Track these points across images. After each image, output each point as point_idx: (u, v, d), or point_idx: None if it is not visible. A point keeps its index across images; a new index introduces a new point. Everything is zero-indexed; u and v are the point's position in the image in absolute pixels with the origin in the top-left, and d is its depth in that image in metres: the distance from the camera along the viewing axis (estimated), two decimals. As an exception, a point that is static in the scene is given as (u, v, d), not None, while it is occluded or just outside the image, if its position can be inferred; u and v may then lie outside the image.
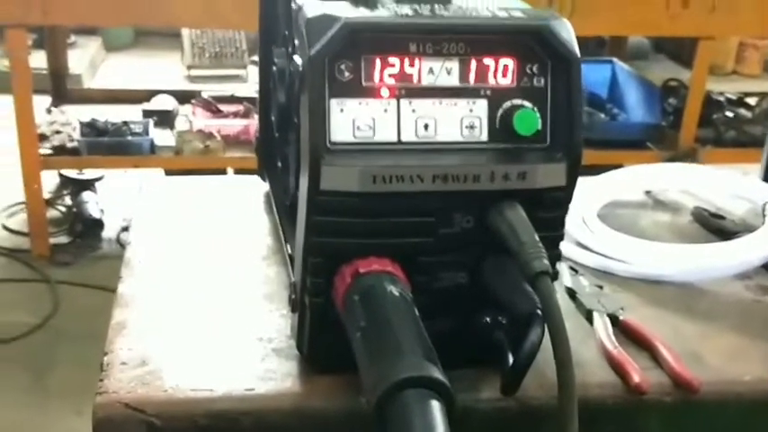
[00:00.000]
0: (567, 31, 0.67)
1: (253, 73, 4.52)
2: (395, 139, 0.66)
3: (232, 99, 3.08)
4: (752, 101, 3.33)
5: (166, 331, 0.77)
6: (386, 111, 0.66)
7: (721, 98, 3.28)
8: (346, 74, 0.64)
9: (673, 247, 0.96)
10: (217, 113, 2.95)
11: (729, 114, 3.20)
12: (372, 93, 0.65)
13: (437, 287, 0.69)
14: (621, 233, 0.98)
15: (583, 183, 1.07)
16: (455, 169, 0.65)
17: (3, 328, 2.39)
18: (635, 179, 1.14)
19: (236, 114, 2.95)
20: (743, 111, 3.25)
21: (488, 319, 0.69)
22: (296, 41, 0.71)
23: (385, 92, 0.65)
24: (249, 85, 4.22)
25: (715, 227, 1.06)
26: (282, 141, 0.89)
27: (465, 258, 0.69)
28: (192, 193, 1.08)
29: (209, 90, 3.33)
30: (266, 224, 0.99)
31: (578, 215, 1.02)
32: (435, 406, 0.54)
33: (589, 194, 1.07)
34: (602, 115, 3.17)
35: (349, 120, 0.65)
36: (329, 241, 0.66)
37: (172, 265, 0.89)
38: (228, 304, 0.83)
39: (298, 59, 0.66)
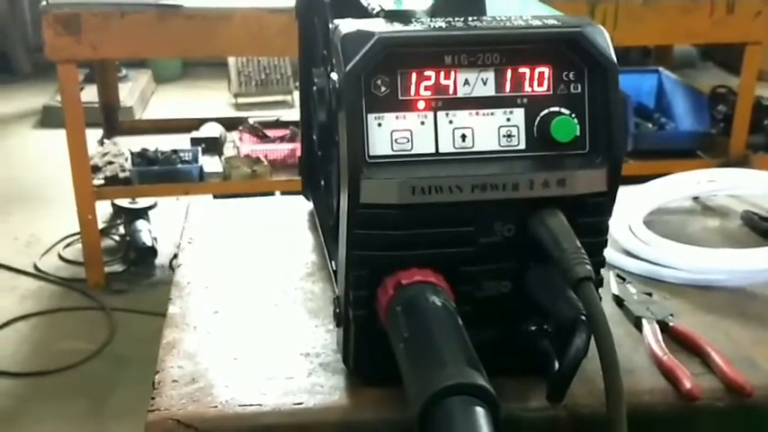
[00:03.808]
0: (602, 37, 0.67)
1: (298, 98, 4.57)
2: (433, 150, 0.66)
3: (278, 124, 3.12)
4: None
5: (215, 349, 0.79)
6: (423, 123, 0.66)
7: (771, 103, 3.22)
8: (383, 88, 0.65)
9: (722, 252, 0.95)
10: (263, 138, 2.99)
11: (781, 119, 3.13)
12: (409, 106, 0.66)
13: (480, 296, 0.69)
14: (669, 239, 0.97)
15: (629, 191, 1.07)
16: (493, 178, 0.66)
17: (61, 356, 2.44)
18: (682, 185, 1.12)
19: (282, 139, 2.98)
20: (794, 115, 3.18)
21: (533, 328, 0.69)
22: (333, 59, 0.72)
23: (421, 104, 0.66)
24: (295, 110, 4.26)
25: (765, 230, 1.04)
26: (325, 160, 0.90)
27: (507, 267, 0.69)
28: (237, 215, 1.09)
29: (255, 116, 3.37)
30: (310, 242, 1.00)
31: (625, 223, 1.01)
32: (480, 412, 0.54)
33: (635, 202, 1.06)
34: (650, 125, 3.13)
35: (387, 133, 0.66)
36: (371, 254, 0.67)
37: (219, 286, 0.91)
38: (275, 321, 0.84)
39: (335, 76, 0.67)
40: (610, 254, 0.95)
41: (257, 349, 0.79)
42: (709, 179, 1.12)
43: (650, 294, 0.88)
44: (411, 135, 0.66)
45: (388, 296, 0.65)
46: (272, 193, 2.89)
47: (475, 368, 0.57)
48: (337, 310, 0.73)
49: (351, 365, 0.73)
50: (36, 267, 2.92)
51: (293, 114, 3.52)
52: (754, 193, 1.11)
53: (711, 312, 0.87)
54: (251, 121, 3.11)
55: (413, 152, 0.66)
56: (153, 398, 0.72)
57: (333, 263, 0.85)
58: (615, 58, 0.67)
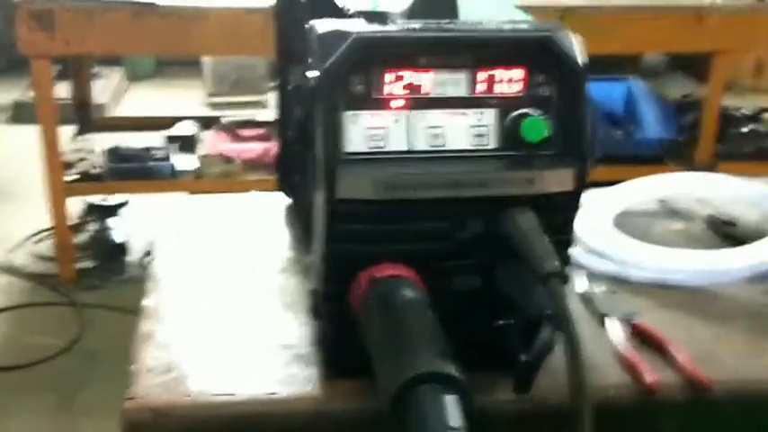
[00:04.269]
0: (572, 41, 0.69)
1: (272, 98, 4.58)
2: (406, 148, 0.68)
3: (252, 123, 3.13)
4: (768, 115, 3.33)
5: (190, 340, 0.80)
6: (397, 121, 0.68)
7: (738, 113, 3.29)
8: (358, 87, 0.67)
9: (686, 253, 0.98)
10: (237, 138, 2.99)
11: (745, 129, 3.20)
12: (384, 104, 0.68)
13: (451, 291, 0.71)
14: (635, 240, 1.00)
15: (598, 193, 1.10)
16: (464, 176, 0.68)
17: (31, 351, 2.43)
18: (648, 188, 1.15)
19: (256, 138, 2.99)
20: (759, 126, 3.25)
21: (501, 322, 0.71)
22: (310, 59, 0.74)
23: (396, 103, 0.68)
24: (269, 111, 4.28)
25: (728, 233, 1.07)
26: (300, 155, 0.91)
27: (478, 262, 0.71)
28: (213, 210, 1.10)
29: (229, 116, 3.38)
30: (286, 238, 1.02)
31: (593, 224, 1.03)
32: (450, 400, 0.56)
33: (603, 204, 1.08)
34: (619, 132, 3.18)
35: (362, 130, 0.67)
36: (345, 248, 0.69)
37: (194, 279, 0.92)
38: (250, 314, 0.85)
39: (311, 74, 0.69)
40: (577, 254, 0.98)
41: (232, 341, 0.80)
42: (675, 183, 1.15)
43: (615, 292, 0.91)
44: (385, 133, 0.68)
45: (362, 289, 0.67)
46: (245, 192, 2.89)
47: (447, 358, 0.59)
48: (313, 304, 0.75)
49: (324, 356, 0.75)
50: (7, 262, 2.91)
51: (267, 114, 3.53)
52: (719, 197, 1.14)
53: (674, 310, 0.89)
54: (225, 120, 3.12)
55: (387, 149, 0.68)
56: (128, 386, 0.73)
57: (308, 257, 0.87)
58: (585, 62, 0.69)
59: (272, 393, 0.73)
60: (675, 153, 3.11)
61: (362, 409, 0.71)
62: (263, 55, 3.92)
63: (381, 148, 0.68)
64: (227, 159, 2.79)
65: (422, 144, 0.69)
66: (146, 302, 0.87)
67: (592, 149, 0.71)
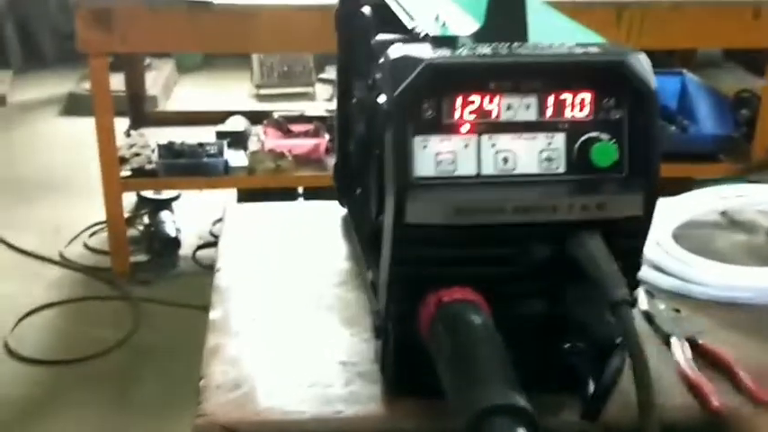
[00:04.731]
0: (643, 65, 0.69)
1: (320, 90, 4.59)
2: (475, 172, 0.69)
3: (302, 119, 3.14)
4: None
5: (256, 355, 0.81)
6: (466, 146, 0.68)
7: (796, 108, 3.21)
8: (428, 112, 0.67)
9: (751, 270, 0.96)
10: (287, 133, 3.01)
11: (804, 125, 3.13)
12: (453, 129, 0.68)
13: (517, 315, 0.71)
14: (697, 255, 0.99)
15: (657, 204, 1.09)
16: (534, 201, 0.68)
17: (87, 345, 2.48)
18: (710, 200, 1.14)
19: (306, 134, 3.01)
20: (819, 121, 3.17)
21: (567, 346, 0.71)
22: (377, 77, 0.74)
23: (465, 128, 0.68)
24: (317, 103, 4.29)
25: (792, 247, 1.06)
26: (362, 170, 0.92)
27: (545, 287, 0.71)
28: (272, 220, 1.12)
29: (278, 109, 3.40)
30: (344, 250, 1.02)
31: (653, 237, 1.02)
32: None
33: (664, 216, 1.07)
34: (673, 128, 3.13)
35: (431, 155, 0.68)
36: (413, 271, 0.69)
37: (257, 291, 0.93)
38: (312, 329, 0.86)
39: (382, 98, 0.69)
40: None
41: (296, 356, 0.81)
42: (737, 194, 1.14)
43: (678, 311, 0.90)
44: (455, 157, 0.68)
45: (430, 313, 0.68)
46: (295, 189, 2.92)
47: (515, 389, 0.59)
48: (377, 323, 0.76)
49: (388, 376, 0.75)
50: (62, 256, 2.97)
51: (316, 108, 3.54)
52: (782, 209, 1.12)
53: (739, 330, 0.89)
54: (275, 115, 3.14)
55: (456, 174, 0.68)
56: (199, 403, 0.74)
57: (369, 272, 0.87)
58: (654, 84, 0.69)
59: (339, 412, 0.74)
60: (731, 149, 3.05)
61: (425, 428, 0.72)
62: (313, 51, 3.94)
63: (451, 172, 0.68)
64: (278, 155, 2.81)
65: (491, 168, 0.69)
66: (212, 315, 0.89)
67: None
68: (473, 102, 0.68)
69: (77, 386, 2.34)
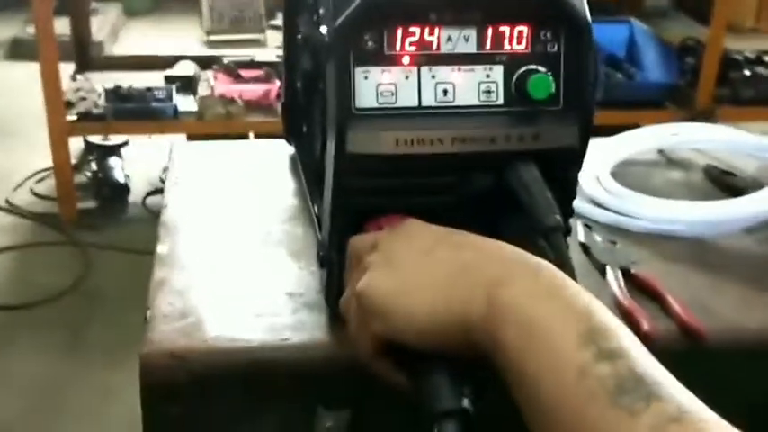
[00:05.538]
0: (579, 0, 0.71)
1: (271, 37, 4.55)
2: (416, 104, 0.70)
3: (252, 64, 3.12)
4: (770, 58, 3.33)
5: (203, 287, 0.83)
6: (407, 78, 0.70)
7: (739, 57, 3.28)
8: (370, 43, 0.69)
9: (684, 204, 1.00)
10: (238, 79, 2.99)
11: (747, 73, 3.20)
12: (395, 61, 0.69)
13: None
14: (633, 191, 1.02)
15: (597, 143, 1.11)
16: (472, 132, 0.70)
17: (37, 291, 2.47)
18: (647, 138, 1.17)
19: (256, 79, 2.99)
20: (761, 69, 3.25)
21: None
22: (321, 11, 0.75)
23: (406, 60, 0.70)
24: (268, 50, 4.25)
25: (726, 184, 1.09)
26: (308, 106, 0.93)
27: (484, 216, 0.73)
28: (220, 158, 1.12)
29: (229, 55, 3.36)
30: (292, 186, 1.04)
31: (592, 174, 1.05)
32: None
33: (603, 154, 1.10)
34: (620, 75, 3.18)
35: (373, 86, 0.69)
36: (355, 201, 0.71)
37: (205, 226, 0.94)
38: (260, 262, 0.88)
39: (323, 29, 0.70)
40: (577, 203, 0.99)
41: (244, 288, 0.83)
42: (673, 133, 1.17)
43: (614, 243, 0.94)
44: (396, 89, 0.70)
45: (371, 240, 0.69)
46: (246, 134, 2.90)
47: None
48: (321, 253, 0.77)
49: (332, 304, 0.78)
50: (8, 202, 2.93)
51: (267, 54, 3.51)
52: (718, 148, 1.16)
53: (671, 261, 0.92)
54: (225, 60, 3.11)
55: (397, 105, 0.70)
56: (146, 332, 0.76)
57: (315, 207, 0.89)
58: (590, 19, 0.71)
59: (285, 339, 0.75)
60: (676, 97, 3.11)
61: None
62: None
63: (392, 103, 0.69)
64: (228, 100, 2.79)
65: (431, 100, 0.70)
66: (159, 249, 0.90)
67: (594, 105, 0.73)
68: (413, 33, 0.69)
69: (28, 332, 2.34)
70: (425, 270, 0.61)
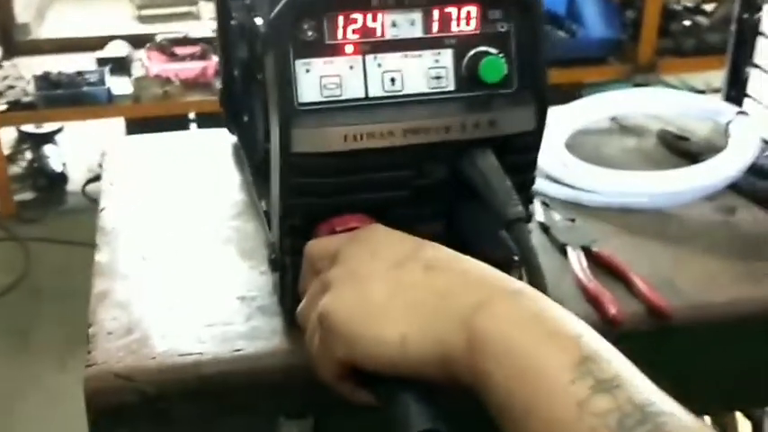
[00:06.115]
0: (528, -26, 0.67)
1: (204, 9, 4.43)
2: (363, 95, 0.66)
3: (187, 41, 3.02)
4: (709, 7, 3.34)
5: (148, 298, 0.78)
6: (352, 68, 0.65)
7: (679, 7, 3.28)
8: (309, 33, 0.64)
9: (640, 175, 0.98)
10: (173, 57, 2.90)
11: (687, 23, 3.20)
12: (337, 50, 0.65)
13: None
14: (589, 163, 1.00)
15: (549, 113, 1.08)
16: (425, 122, 0.66)
17: (-24, 291, 2.38)
18: (599, 107, 1.15)
19: (192, 56, 2.90)
20: (701, 18, 3.26)
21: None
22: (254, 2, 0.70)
23: (349, 48, 0.65)
24: (202, 23, 4.13)
25: (680, 149, 1.07)
26: (247, 95, 0.88)
27: (440, 208, 0.70)
28: (158, 152, 1.07)
29: (162, 31, 3.26)
30: (237, 179, 0.99)
31: (547, 147, 1.02)
32: None
33: (556, 125, 1.07)
34: (562, 33, 3.16)
35: (316, 79, 0.64)
36: (304, 202, 0.67)
37: (146, 229, 0.89)
38: (207, 264, 0.83)
39: (258, 20, 0.65)
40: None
41: (191, 295, 0.78)
42: (625, 99, 1.15)
43: (573, 220, 0.91)
44: (340, 80, 0.65)
45: (324, 243, 0.65)
46: (185, 115, 2.82)
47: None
48: (273, 256, 0.73)
49: (288, 309, 0.74)
50: (-61, 199, 2.81)
51: (201, 29, 3.41)
52: (670, 112, 1.14)
53: (632, 234, 0.90)
54: (159, 38, 3.01)
55: (343, 98, 0.65)
56: (89, 351, 0.71)
57: (263, 202, 0.84)
58: (541, -4, 0.67)
59: (239, 350, 0.71)
60: (619, 52, 3.11)
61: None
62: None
63: (337, 96, 0.65)
64: (165, 80, 2.70)
65: (378, 90, 0.66)
66: (97, 258, 0.84)
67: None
68: (356, 20, 0.65)
69: (-30, 334, 2.25)
70: (395, 292, 0.56)
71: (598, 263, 0.84)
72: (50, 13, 4.49)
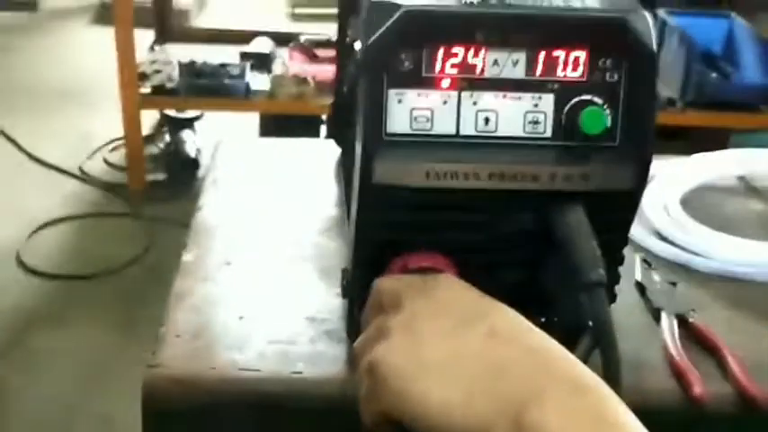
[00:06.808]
0: (646, 24, 0.63)
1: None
2: (453, 132, 0.63)
3: (329, 43, 3.06)
4: None
5: (222, 304, 0.78)
6: (445, 102, 0.63)
7: None
8: (406, 63, 0.62)
9: (755, 243, 0.91)
10: (313, 58, 2.94)
11: None
12: (432, 83, 0.63)
13: (490, 284, 0.66)
14: (703, 223, 0.93)
15: (670, 162, 1.02)
16: (513, 167, 0.63)
17: (98, 262, 2.48)
18: (727, 162, 1.08)
19: (331, 60, 2.94)
20: None
21: (543, 320, 0.67)
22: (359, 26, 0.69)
23: (446, 83, 0.63)
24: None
25: (810, 222, 0.99)
26: (351, 114, 0.87)
27: (520, 258, 0.66)
28: (264, 158, 1.07)
29: (310, 31, 3.32)
30: (334, 193, 0.98)
31: (660, 201, 0.97)
32: None
33: (675, 178, 1.02)
34: (714, 74, 3.01)
35: (407, 111, 0.63)
36: (379, 234, 0.65)
37: (236, 233, 0.90)
38: (284, 279, 0.83)
39: (357, 46, 0.64)
40: (639, 234, 0.92)
41: (262, 308, 0.78)
42: (757, 158, 1.07)
43: (674, 284, 0.85)
44: (432, 114, 0.63)
45: (394, 278, 0.63)
46: (318, 116, 2.86)
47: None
48: (344, 282, 0.72)
49: (353, 338, 0.72)
50: (81, 169, 2.96)
51: (347, 33, 3.45)
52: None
53: (738, 308, 0.83)
54: (302, 38, 3.07)
55: (432, 132, 0.63)
56: (153, 352, 0.72)
57: (349, 222, 0.83)
58: (656, 49, 0.63)
59: (298, 372, 0.70)
60: (772, 101, 2.94)
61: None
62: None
63: (427, 130, 0.63)
64: (301, 81, 2.75)
65: (470, 128, 0.63)
66: (184, 257, 0.86)
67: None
68: (456, 54, 0.62)
69: (84, 303, 2.35)
70: (450, 356, 0.53)
71: (692, 334, 0.78)
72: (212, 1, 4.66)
